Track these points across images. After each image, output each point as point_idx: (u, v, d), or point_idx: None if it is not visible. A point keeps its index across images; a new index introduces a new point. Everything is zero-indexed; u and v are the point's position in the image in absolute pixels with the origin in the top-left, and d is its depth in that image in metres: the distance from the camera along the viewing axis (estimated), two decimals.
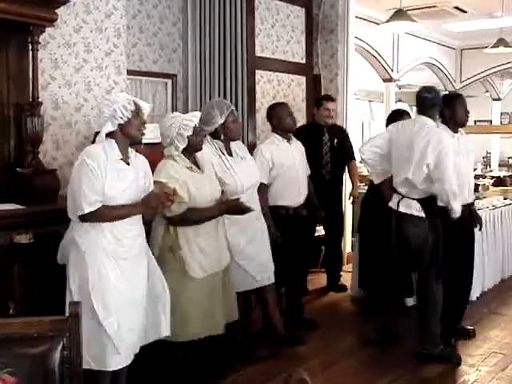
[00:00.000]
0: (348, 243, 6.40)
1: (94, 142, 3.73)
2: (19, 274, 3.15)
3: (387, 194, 4.07)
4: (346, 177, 5.84)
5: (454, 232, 3.95)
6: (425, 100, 3.89)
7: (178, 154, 3.28)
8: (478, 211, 4.49)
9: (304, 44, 6.43)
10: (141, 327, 2.92)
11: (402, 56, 9.96)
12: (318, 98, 5.81)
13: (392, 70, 9.82)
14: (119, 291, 2.80)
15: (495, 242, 5.60)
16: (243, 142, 4.32)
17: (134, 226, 2.89)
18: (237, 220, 3.57)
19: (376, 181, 4.26)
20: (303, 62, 6.44)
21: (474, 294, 5.10)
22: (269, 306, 4.03)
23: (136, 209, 2.87)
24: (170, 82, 5.81)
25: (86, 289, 2.76)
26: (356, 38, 7.00)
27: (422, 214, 3.85)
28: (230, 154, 3.75)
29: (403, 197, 3.90)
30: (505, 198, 6.15)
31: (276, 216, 4.19)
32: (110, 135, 2.84)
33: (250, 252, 3.73)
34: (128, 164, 2.88)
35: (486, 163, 13.90)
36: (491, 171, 10.76)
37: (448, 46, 11.52)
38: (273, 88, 6.10)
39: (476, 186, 5.82)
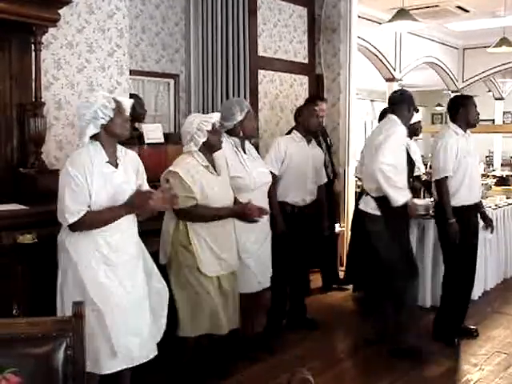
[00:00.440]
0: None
1: None
2: (22, 274, 3.15)
3: None
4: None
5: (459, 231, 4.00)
6: (393, 99, 4.05)
7: (196, 152, 3.32)
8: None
9: (306, 44, 6.44)
10: (143, 330, 2.88)
11: (404, 55, 9.95)
12: (308, 98, 5.81)
13: (394, 70, 9.81)
14: (117, 296, 2.76)
15: (498, 242, 5.59)
16: None
17: (126, 229, 2.83)
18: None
19: None
20: (305, 61, 6.44)
21: (477, 294, 5.10)
22: (258, 308, 4.02)
23: (123, 209, 2.77)
24: (172, 82, 5.81)
25: (80, 296, 2.66)
26: (358, 37, 6.99)
27: (378, 212, 3.91)
28: (244, 152, 3.83)
29: (367, 194, 4.00)
30: (507, 198, 6.14)
31: (281, 212, 4.21)
32: (94, 137, 2.77)
33: (256, 251, 3.75)
34: (116, 165, 2.80)
35: (489, 163, 13.88)
36: (494, 171, 10.74)
37: (450, 46, 11.51)
38: (275, 88, 6.11)
39: None
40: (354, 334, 4.51)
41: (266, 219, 3.82)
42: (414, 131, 5.31)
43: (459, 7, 8.54)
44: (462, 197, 4.08)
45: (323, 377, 3.62)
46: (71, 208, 2.66)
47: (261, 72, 5.86)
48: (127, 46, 4.51)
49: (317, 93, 6.30)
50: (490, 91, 14.47)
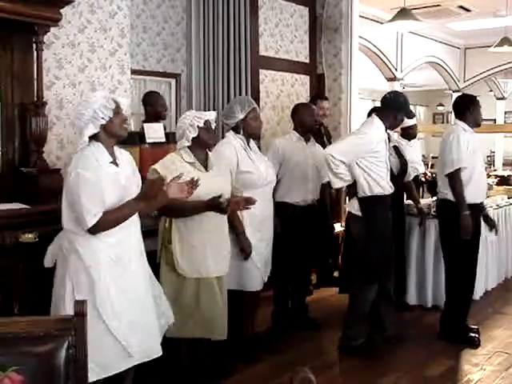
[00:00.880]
0: None
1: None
2: (24, 273, 3.16)
3: None
4: None
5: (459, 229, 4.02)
6: (383, 101, 4.07)
7: (183, 148, 3.29)
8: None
9: (308, 43, 6.44)
10: (148, 327, 2.88)
11: (405, 55, 9.95)
12: (312, 97, 5.82)
13: (396, 69, 9.81)
14: (125, 297, 2.76)
15: (499, 242, 5.59)
16: None
17: (132, 228, 2.84)
18: (252, 218, 3.63)
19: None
20: (307, 61, 6.44)
21: (478, 294, 5.09)
22: (254, 308, 3.98)
23: (138, 203, 2.75)
24: (173, 81, 5.82)
25: (91, 298, 2.66)
26: (360, 37, 7.00)
27: (359, 213, 3.93)
28: (250, 150, 3.82)
29: (355, 196, 4.01)
30: (509, 197, 6.13)
31: (283, 213, 4.21)
32: (94, 138, 2.75)
33: (261, 250, 3.76)
34: (117, 165, 2.80)
35: (490, 162, 13.89)
36: (495, 170, 10.73)
37: (452, 45, 11.51)
38: (276, 87, 6.11)
39: None
40: None
41: (270, 216, 3.85)
42: (408, 134, 5.33)
43: (461, 7, 8.54)
44: (468, 194, 4.07)
45: (325, 376, 3.62)
46: (91, 210, 2.61)
47: (262, 71, 5.86)
48: (129, 46, 4.51)
49: (319, 92, 6.30)
50: (491, 91, 14.47)
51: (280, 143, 4.36)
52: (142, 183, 2.95)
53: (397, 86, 10.05)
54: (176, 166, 3.19)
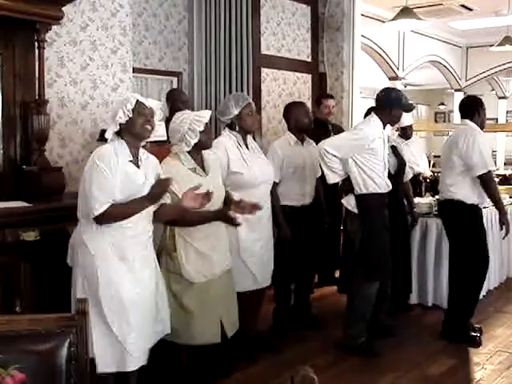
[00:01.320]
0: None
1: (99, 140, 3.77)
2: (26, 271, 3.16)
3: None
4: None
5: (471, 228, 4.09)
6: (376, 99, 4.06)
7: (184, 154, 3.23)
8: (483, 209, 4.46)
9: (309, 42, 6.43)
10: (150, 328, 2.89)
11: (407, 54, 9.93)
12: (318, 96, 5.82)
13: (398, 68, 9.80)
14: (128, 293, 2.77)
15: (501, 241, 5.57)
16: None
17: (141, 226, 2.85)
18: (247, 218, 3.53)
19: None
20: (309, 60, 6.44)
21: (480, 293, 5.08)
22: (255, 307, 3.96)
23: (146, 201, 2.77)
24: (175, 79, 5.81)
25: (95, 292, 2.72)
26: (362, 36, 6.98)
27: (355, 210, 3.94)
28: (246, 147, 3.76)
29: (350, 192, 4.00)
30: (510, 197, 6.12)
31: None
32: (120, 135, 2.80)
33: (257, 251, 3.72)
34: (138, 166, 2.83)
35: None
36: (497, 169, 10.71)
37: (454, 44, 11.49)
38: (278, 86, 6.10)
39: None
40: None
41: (267, 215, 3.81)
42: (404, 134, 5.34)
43: (463, 6, 8.52)
44: (476, 195, 4.14)
45: (326, 374, 3.61)
46: (100, 198, 2.66)
47: (264, 70, 5.86)
48: (130, 44, 4.52)
49: (321, 91, 6.31)
50: (493, 90, 14.44)
51: (279, 146, 4.30)
52: None
53: (398, 85, 10.03)
54: (181, 176, 3.15)
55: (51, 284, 3.15)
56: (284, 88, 6.18)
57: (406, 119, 5.08)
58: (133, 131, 2.80)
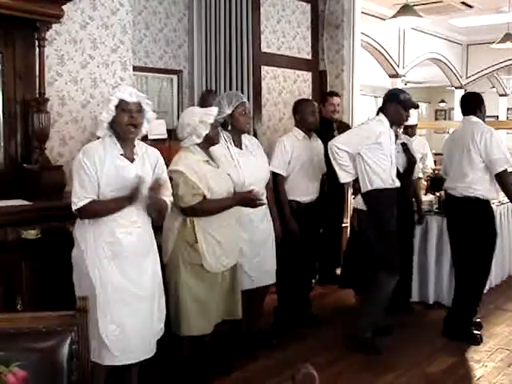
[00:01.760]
0: None
1: (99, 138, 3.77)
2: (27, 269, 3.16)
3: None
4: None
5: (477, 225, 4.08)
6: (383, 98, 4.20)
7: (193, 147, 3.29)
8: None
9: (310, 40, 6.42)
10: (146, 325, 2.88)
11: (407, 51, 9.93)
12: (323, 94, 5.83)
13: (398, 66, 9.79)
14: (120, 290, 2.78)
15: (502, 238, 5.57)
16: None
17: (134, 223, 2.84)
18: (238, 218, 3.55)
19: None
20: (309, 57, 6.42)
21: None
22: (256, 305, 3.97)
23: (125, 200, 2.77)
24: (175, 77, 5.81)
25: (87, 285, 2.75)
26: (362, 33, 6.98)
27: (365, 208, 3.99)
28: (239, 147, 3.75)
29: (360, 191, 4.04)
30: None
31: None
32: (114, 131, 2.83)
33: (249, 251, 3.70)
34: (132, 160, 2.84)
35: None
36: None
37: (454, 42, 11.48)
38: (278, 84, 6.10)
39: None
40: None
41: (261, 216, 3.79)
42: (408, 133, 5.36)
43: (463, 3, 8.52)
44: (494, 190, 4.14)
45: (327, 372, 3.62)
46: (78, 193, 2.75)
47: (264, 68, 5.85)
48: (130, 42, 4.51)
49: (322, 89, 6.30)
50: (493, 87, 14.44)
51: (288, 141, 4.30)
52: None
53: (399, 83, 10.04)
54: (199, 166, 3.24)
55: (52, 282, 3.16)
56: (284, 86, 6.17)
57: (411, 118, 5.09)
58: (117, 130, 2.83)
